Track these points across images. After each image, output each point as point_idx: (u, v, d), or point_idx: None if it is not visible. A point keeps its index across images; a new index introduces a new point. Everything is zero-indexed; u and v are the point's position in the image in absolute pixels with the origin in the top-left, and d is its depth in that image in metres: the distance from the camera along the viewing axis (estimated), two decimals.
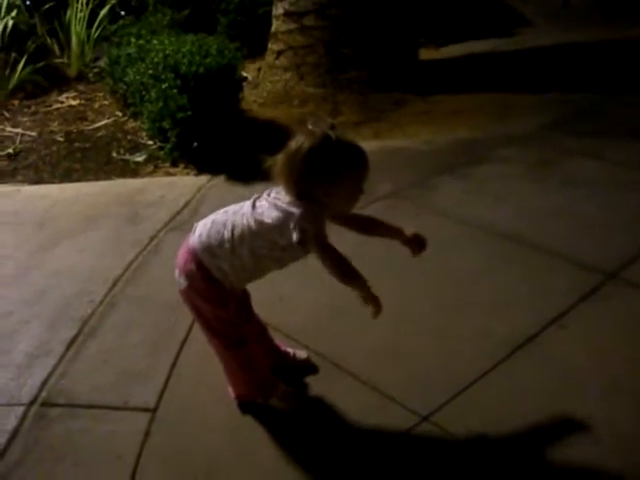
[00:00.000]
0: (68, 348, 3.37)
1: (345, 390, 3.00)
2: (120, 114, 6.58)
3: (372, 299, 2.48)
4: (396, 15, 6.84)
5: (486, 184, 4.80)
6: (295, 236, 2.38)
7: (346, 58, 6.71)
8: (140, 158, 5.59)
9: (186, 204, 4.70)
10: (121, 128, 6.29)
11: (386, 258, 3.58)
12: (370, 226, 2.82)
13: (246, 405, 2.92)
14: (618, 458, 2.62)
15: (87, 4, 7.57)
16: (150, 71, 5.47)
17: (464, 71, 7.36)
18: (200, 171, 5.26)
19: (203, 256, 2.58)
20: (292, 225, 2.40)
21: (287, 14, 6.86)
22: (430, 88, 6.71)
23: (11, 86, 7.06)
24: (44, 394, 3.09)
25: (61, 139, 6.13)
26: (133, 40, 6.30)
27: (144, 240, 4.26)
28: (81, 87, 7.46)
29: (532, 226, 4.18)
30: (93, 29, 7.63)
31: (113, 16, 8.01)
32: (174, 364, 3.21)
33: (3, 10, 7.27)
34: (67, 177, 5.44)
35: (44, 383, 3.15)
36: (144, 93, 5.58)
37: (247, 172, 4.98)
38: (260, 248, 2.53)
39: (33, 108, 6.93)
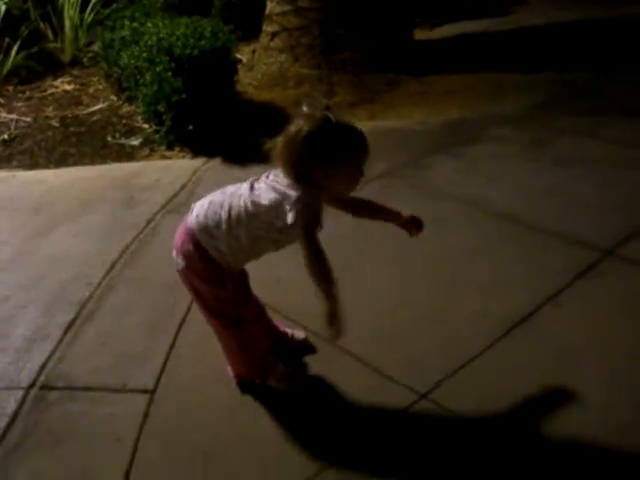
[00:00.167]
0: (66, 332, 3.38)
1: (343, 370, 3.01)
2: (115, 98, 6.57)
3: (338, 317, 2.44)
4: None
5: (480, 163, 4.80)
6: (290, 217, 2.39)
7: (340, 39, 6.69)
8: (136, 142, 5.58)
9: (182, 187, 4.70)
10: (116, 112, 6.28)
11: (383, 239, 3.59)
12: (366, 209, 2.83)
13: (245, 385, 2.93)
14: (613, 433, 2.63)
15: None
16: (144, 54, 5.46)
17: (458, 51, 7.33)
18: (196, 154, 5.25)
19: (200, 236, 2.59)
20: (288, 207, 2.40)
21: None
22: (424, 69, 6.69)
23: (5, 72, 7.05)
24: (43, 377, 3.11)
25: (56, 124, 6.12)
26: (127, 23, 6.27)
27: (141, 223, 4.26)
28: (75, 72, 7.43)
29: (527, 205, 4.18)
30: (86, 13, 7.60)
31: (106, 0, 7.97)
32: (172, 345, 3.22)
33: None
34: (63, 162, 5.43)
35: (43, 367, 3.17)
36: (139, 77, 5.57)
37: (243, 154, 5.00)
38: (257, 229, 2.54)
39: (28, 93, 6.92)
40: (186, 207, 2.75)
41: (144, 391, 2.98)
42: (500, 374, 2.94)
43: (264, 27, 7.12)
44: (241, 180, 2.64)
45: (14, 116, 6.31)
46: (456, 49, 7.41)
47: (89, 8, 7.59)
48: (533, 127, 5.37)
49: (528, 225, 3.98)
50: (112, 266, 3.85)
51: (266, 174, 2.58)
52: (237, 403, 2.89)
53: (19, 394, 3.01)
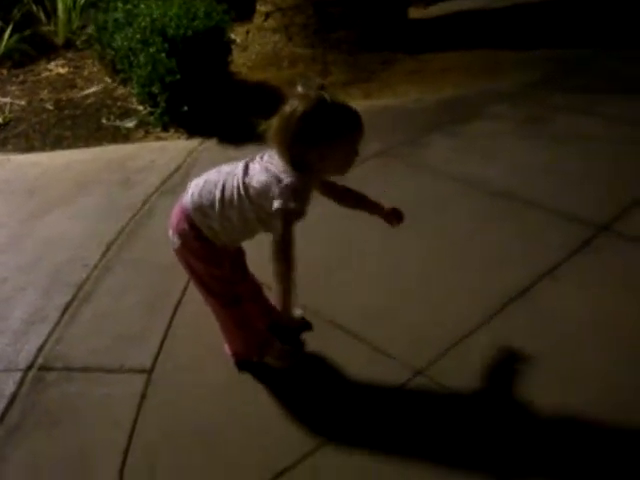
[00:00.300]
0: (63, 313, 3.39)
1: (340, 347, 3.02)
2: (109, 80, 6.55)
3: (288, 310, 2.51)
4: None
5: (476, 141, 4.80)
6: (276, 203, 2.40)
7: (334, 18, 6.66)
8: (131, 124, 5.57)
9: (177, 168, 4.70)
10: (111, 94, 6.26)
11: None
12: (352, 199, 2.85)
13: (242, 363, 2.94)
14: (611, 407, 2.64)
15: None
16: (138, 36, 5.43)
17: (453, 29, 7.29)
18: (191, 135, 5.25)
19: (195, 215, 2.59)
20: (277, 192, 2.41)
21: None
22: (419, 47, 6.66)
23: None
24: (41, 359, 3.12)
25: (51, 107, 6.10)
26: (120, 5, 6.22)
27: (137, 204, 4.26)
28: (69, 54, 7.39)
29: (523, 182, 4.18)
30: None
31: None
32: (169, 325, 3.23)
33: None
34: (58, 145, 5.43)
35: (40, 348, 3.18)
36: (133, 58, 5.55)
37: (238, 134, 4.99)
38: (248, 211, 2.54)
39: (22, 77, 6.89)
40: (181, 188, 2.75)
41: (142, 371, 2.99)
42: (497, 349, 2.95)
43: (258, 7, 7.09)
44: (236, 160, 2.64)
45: (8, 100, 6.29)
46: (452, 27, 7.36)
47: None
48: (529, 104, 5.36)
49: (525, 202, 3.98)
50: (108, 247, 3.85)
51: (261, 154, 2.58)
52: (234, 381, 2.90)
53: (17, 376, 3.02)
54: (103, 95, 6.26)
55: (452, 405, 2.74)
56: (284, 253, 2.43)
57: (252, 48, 6.96)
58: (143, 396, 2.87)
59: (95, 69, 6.92)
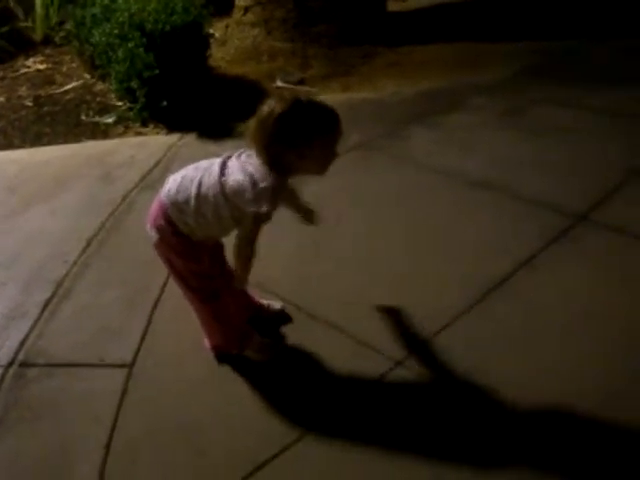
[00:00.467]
0: (44, 309, 3.38)
1: (320, 338, 3.04)
2: (88, 76, 6.51)
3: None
4: None
5: (456, 133, 4.81)
6: (250, 205, 2.44)
7: (314, 11, 6.66)
8: (110, 119, 5.55)
9: (157, 163, 4.69)
10: (90, 90, 6.23)
11: (359, 206, 3.61)
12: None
13: (222, 356, 2.95)
14: (592, 393, 2.68)
15: None
16: (116, 31, 5.41)
17: (434, 22, 7.28)
18: (170, 130, 5.23)
19: (171, 211, 2.60)
20: (251, 195, 2.43)
21: None
22: (399, 40, 6.67)
23: None
24: (21, 355, 3.11)
25: (30, 104, 6.07)
26: (98, 0, 6.21)
27: (117, 200, 4.25)
28: (48, 51, 7.35)
29: (502, 173, 4.21)
30: None
31: None
32: (149, 320, 3.23)
33: None
34: (37, 141, 5.40)
35: (21, 344, 3.17)
36: (111, 54, 5.53)
37: (218, 129, 4.98)
38: (223, 209, 2.55)
39: (0, 74, 6.85)
40: (161, 183, 2.74)
41: (122, 366, 3.00)
42: (478, 339, 2.98)
43: (237, 1, 7.08)
44: (216, 155, 2.65)
45: None
46: (432, 19, 7.35)
47: None
48: (509, 96, 5.37)
49: (503, 193, 4.01)
50: (88, 243, 3.85)
51: (239, 152, 2.59)
52: (215, 375, 2.91)
53: None
54: (82, 91, 6.23)
55: (433, 395, 2.76)
56: (245, 250, 2.58)
57: (231, 42, 6.94)
58: (124, 391, 2.88)
59: (74, 65, 6.88)
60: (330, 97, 5.16)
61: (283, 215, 2.51)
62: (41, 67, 6.93)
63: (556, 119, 4.92)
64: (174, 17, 5.29)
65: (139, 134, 5.32)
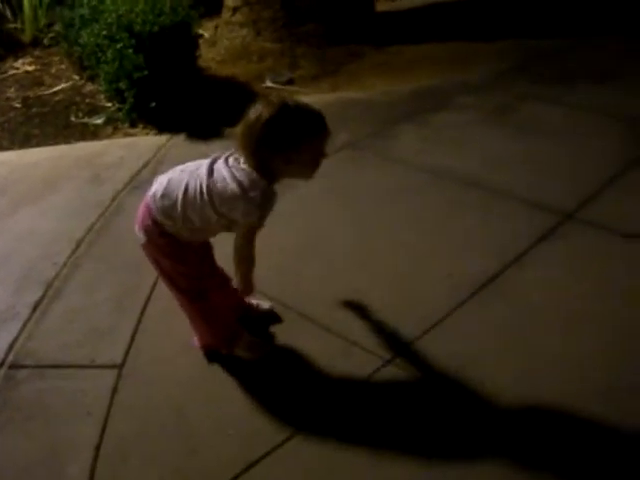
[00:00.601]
0: (34, 310, 3.38)
1: (309, 337, 3.05)
2: (77, 77, 6.49)
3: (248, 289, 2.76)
4: None
5: (445, 132, 4.83)
6: (242, 217, 2.48)
7: (302, 11, 6.65)
8: (99, 121, 5.54)
9: (146, 164, 4.68)
10: (79, 91, 6.21)
11: (348, 206, 3.62)
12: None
13: (211, 354, 2.96)
14: (579, 391, 2.70)
15: None
16: (104, 32, 5.39)
17: (422, 21, 7.27)
18: (160, 131, 5.22)
19: (157, 213, 2.60)
20: (242, 206, 2.45)
21: None
22: (388, 39, 6.67)
23: None
24: (11, 357, 3.11)
25: (18, 105, 6.05)
26: (86, 1, 6.17)
27: (106, 201, 4.25)
28: (37, 52, 7.32)
29: (492, 172, 4.22)
30: None
31: None
32: (139, 320, 3.23)
33: None
34: (26, 143, 5.38)
35: (11, 346, 3.17)
36: (100, 55, 5.51)
37: (207, 130, 4.98)
38: (210, 214, 2.55)
39: None
40: (150, 184, 2.74)
41: (113, 366, 3.00)
42: (466, 336, 3.00)
43: (226, 2, 7.06)
44: (205, 156, 2.64)
45: None
46: (421, 19, 7.34)
47: None
48: (498, 95, 5.39)
49: (492, 191, 4.03)
50: (78, 245, 3.84)
51: (226, 155, 2.59)
52: (205, 375, 2.92)
53: None
54: (71, 92, 6.21)
55: (423, 394, 2.77)
56: (246, 253, 2.60)
57: (220, 43, 6.94)
58: (114, 391, 2.87)
59: (63, 66, 6.86)
60: (319, 97, 5.19)
61: (271, 216, 2.51)
62: (30, 68, 6.91)
63: (545, 117, 4.95)
64: (162, 18, 5.29)
65: (128, 135, 5.31)
